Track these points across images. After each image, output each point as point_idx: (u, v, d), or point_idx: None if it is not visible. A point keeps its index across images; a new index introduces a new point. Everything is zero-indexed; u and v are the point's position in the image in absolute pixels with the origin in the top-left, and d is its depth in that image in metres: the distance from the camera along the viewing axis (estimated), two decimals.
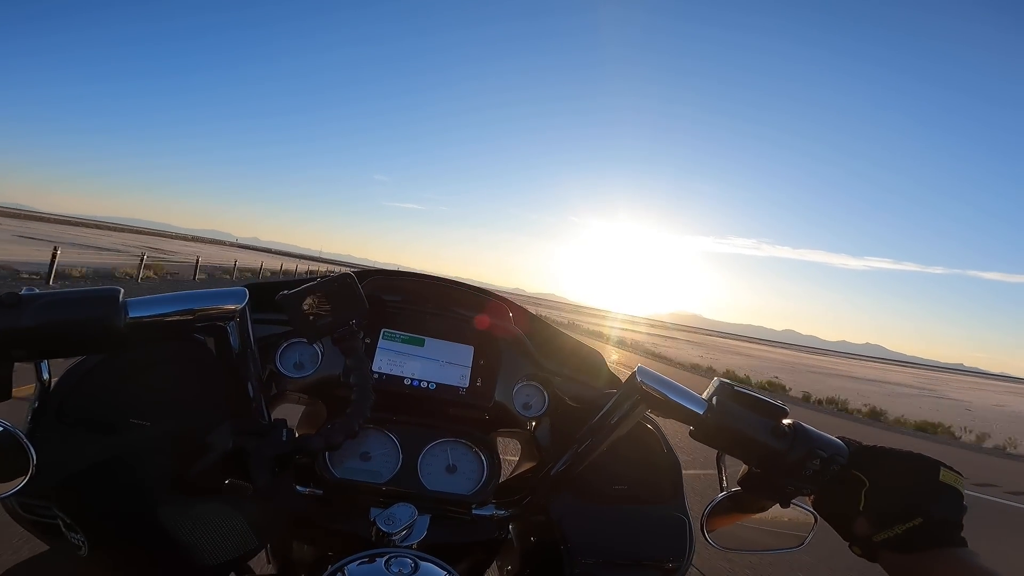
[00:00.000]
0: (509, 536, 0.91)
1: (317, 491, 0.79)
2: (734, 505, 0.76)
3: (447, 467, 0.86)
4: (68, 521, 0.58)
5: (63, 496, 0.59)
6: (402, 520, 0.68)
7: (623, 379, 0.83)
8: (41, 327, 0.53)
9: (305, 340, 0.87)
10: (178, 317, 0.63)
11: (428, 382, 0.90)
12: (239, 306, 0.65)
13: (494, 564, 0.95)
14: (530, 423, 0.99)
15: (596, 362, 1.05)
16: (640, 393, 0.73)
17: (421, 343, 0.92)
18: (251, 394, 0.70)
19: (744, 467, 0.73)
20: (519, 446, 1.08)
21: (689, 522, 0.89)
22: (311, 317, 0.70)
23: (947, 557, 0.61)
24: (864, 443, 0.71)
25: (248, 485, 0.65)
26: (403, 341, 0.91)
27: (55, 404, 0.61)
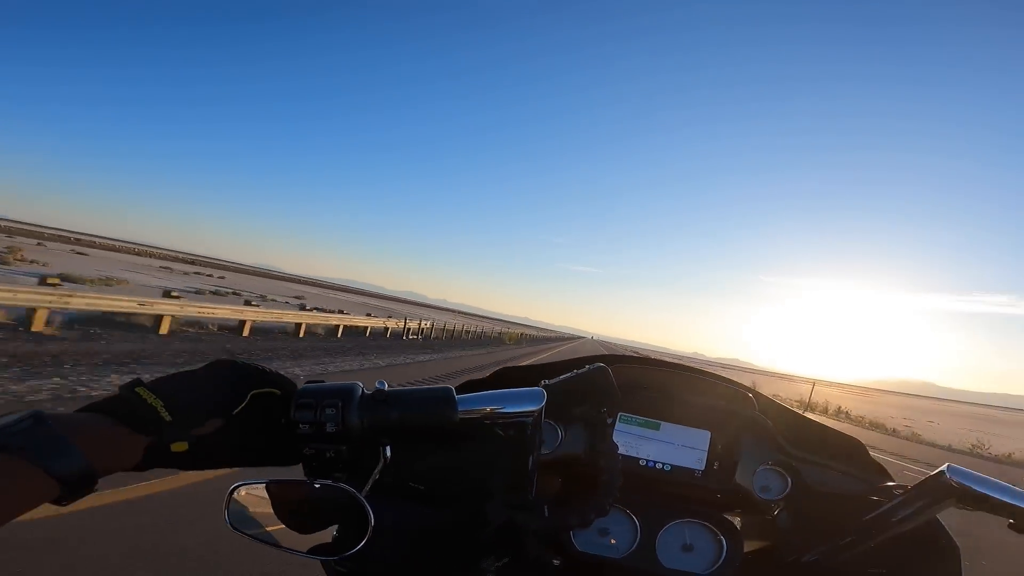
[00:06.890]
0: None
1: (555, 560, 0.82)
2: None
3: (683, 546, 0.91)
4: None
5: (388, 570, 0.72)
6: None
7: (887, 469, 0.94)
8: (402, 420, 0.65)
9: (553, 422, 0.92)
10: (490, 411, 0.70)
11: (663, 464, 0.95)
12: (538, 408, 0.71)
13: None
14: (769, 506, 0.99)
15: (854, 450, 1.04)
16: (947, 491, 0.77)
17: (657, 427, 0.96)
18: (529, 474, 0.75)
19: None
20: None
21: None
22: (568, 404, 0.81)
23: None
24: None
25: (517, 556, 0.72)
26: (639, 425, 0.96)
27: (391, 478, 0.69)
